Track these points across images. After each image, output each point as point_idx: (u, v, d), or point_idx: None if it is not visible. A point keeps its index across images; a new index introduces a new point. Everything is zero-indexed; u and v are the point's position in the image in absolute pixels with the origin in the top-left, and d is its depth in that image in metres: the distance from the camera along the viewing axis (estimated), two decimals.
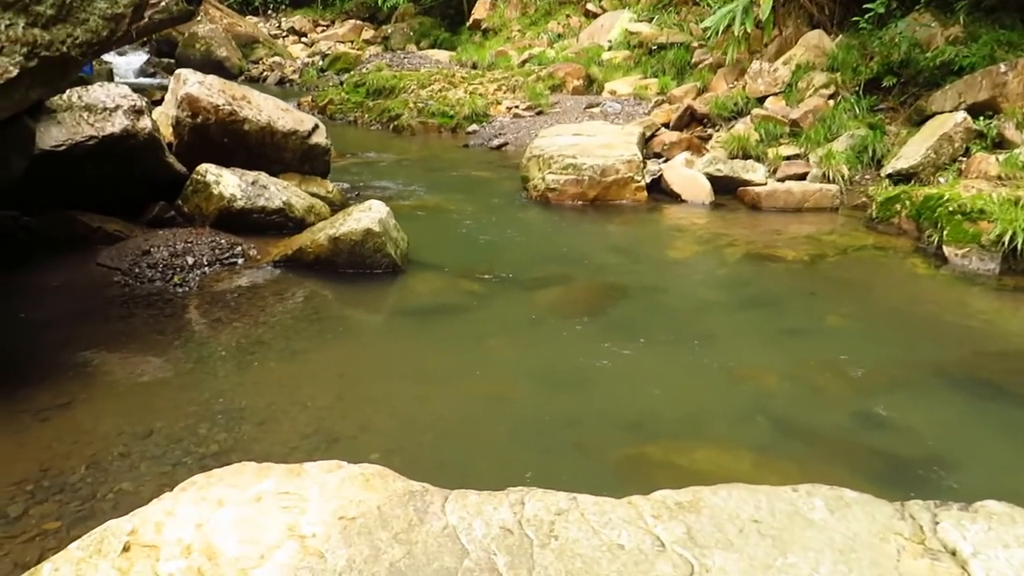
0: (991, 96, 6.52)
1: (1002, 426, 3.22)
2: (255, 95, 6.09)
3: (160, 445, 2.91)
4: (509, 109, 10.95)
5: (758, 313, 4.56)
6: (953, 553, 1.77)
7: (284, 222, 5.41)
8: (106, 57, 13.39)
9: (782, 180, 7.04)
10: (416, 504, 1.88)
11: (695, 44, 11.27)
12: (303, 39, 20.48)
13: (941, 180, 6.25)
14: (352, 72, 14.19)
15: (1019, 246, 4.91)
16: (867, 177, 7.00)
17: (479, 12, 17.08)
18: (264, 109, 5.97)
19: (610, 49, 12.81)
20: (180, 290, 4.51)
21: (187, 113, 5.66)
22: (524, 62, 13.39)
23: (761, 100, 8.60)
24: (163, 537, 1.74)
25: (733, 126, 8.33)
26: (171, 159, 5.49)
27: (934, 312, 4.53)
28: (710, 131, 8.67)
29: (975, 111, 6.55)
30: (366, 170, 8.16)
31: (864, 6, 8.09)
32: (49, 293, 4.36)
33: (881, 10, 7.93)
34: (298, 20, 21.52)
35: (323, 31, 20.64)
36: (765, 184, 6.90)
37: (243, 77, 15.78)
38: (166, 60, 16.49)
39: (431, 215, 6.44)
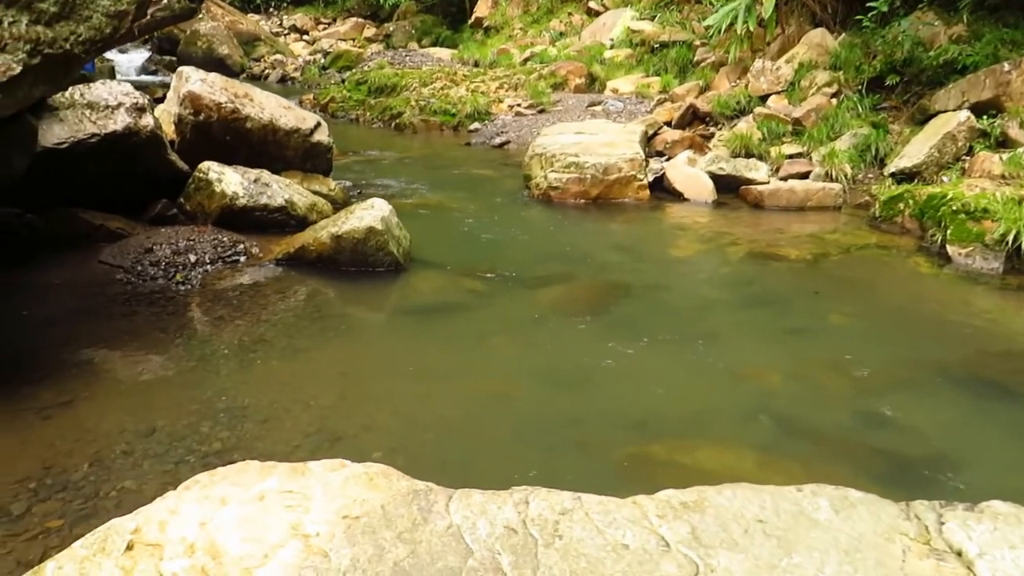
0: (994, 95, 6.50)
1: (1007, 426, 3.22)
2: (257, 93, 6.08)
3: (163, 443, 2.91)
4: (511, 107, 10.94)
5: (761, 312, 4.55)
6: (959, 554, 1.77)
7: (286, 220, 5.41)
8: (108, 55, 13.40)
9: (785, 179, 7.03)
10: (420, 503, 1.87)
11: (697, 42, 11.26)
12: (305, 37, 20.47)
13: (944, 179, 6.24)
14: (354, 70, 14.18)
15: (1023, 245, 4.90)
16: (870, 176, 6.99)
17: (481, 10, 17.06)
18: (266, 107, 5.96)
19: (612, 47, 12.80)
20: (182, 288, 4.50)
21: (189, 111, 5.65)
22: (526, 60, 13.38)
23: (764, 98, 8.59)
24: (167, 536, 1.74)
25: (735, 124, 8.31)
26: (173, 157, 5.48)
27: (938, 311, 4.53)
28: (712, 129, 8.66)
29: (978, 110, 6.54)
30: (368, 168, 8.15)
31: (867, 4, 8.07)
32: (51, 291, 4.36)
33: (884, 8, 7.91)
34: (300, 18, 21.52)
35: (325, 29, 20.62)
36: (768, 183, 6.89)
37: (245, 75, 15.78)
38: (168, 58, 16.49)
39: (433, 213, 6.43)
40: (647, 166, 7.15)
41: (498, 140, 9.75)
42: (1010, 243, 4.95)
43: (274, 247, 5.06)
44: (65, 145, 4.80)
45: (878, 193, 6.42)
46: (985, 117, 6.47)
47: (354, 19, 20.21)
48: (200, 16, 16.34)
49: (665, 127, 8.74)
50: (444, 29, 18.13)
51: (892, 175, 6.65)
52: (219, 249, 4.93)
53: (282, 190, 5.49)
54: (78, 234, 4.93)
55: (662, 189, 7.12)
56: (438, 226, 6.07)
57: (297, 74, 16.27)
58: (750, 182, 6.91)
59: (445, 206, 6.66)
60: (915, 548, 1.79)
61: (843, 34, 8.84)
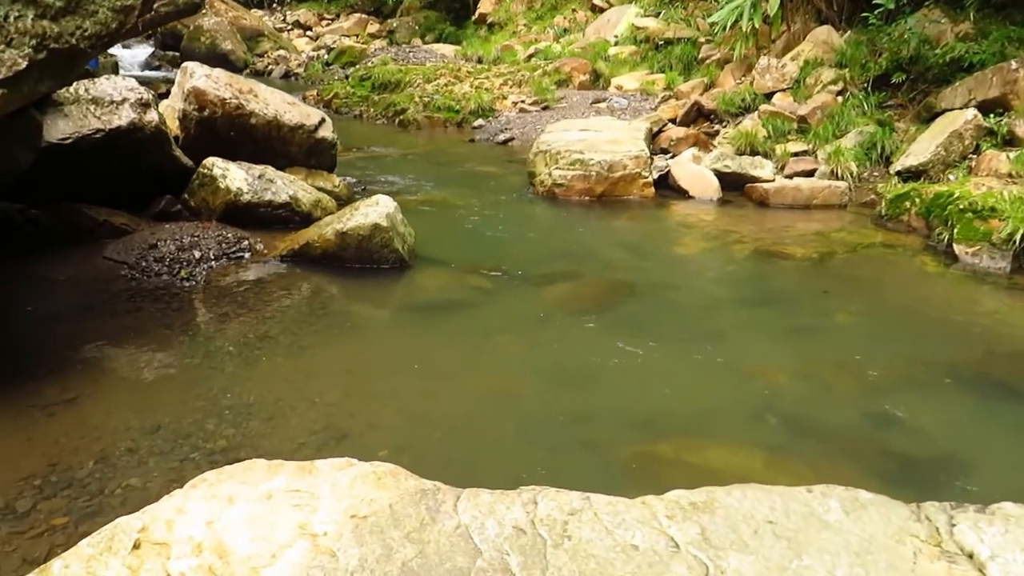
0: (1002, 93, 6.47)
1: (1016, 426, 3.20)
2: (262, 88, 6.07)
3: (168, 440, 2.90)
4: (515, 104, 10.92)
5: (767, 310, 4.53)
6: (970, 556, 1.75)
7: (291, 216, 5.40)
8: (111, 50, 13.37)
9: (790, 177, 7.01)
10: (428, 503, 1.86)
11: (702, 39, 11.22)
12: (308, 33, 20.46)
13: (951, 177, 6.22)
14: (357, 66, 14.17)
15: None
16: (876, 174, 6.96)
17: (485, 6, 17.03)
18: (271, 103, 5.95)
19: (616, 44, 12.76)
20: (187, 284, 4.49)
21: (194, 106, 5.64)
22: (530, 57, 13.36)
23: (769, 96, 8.55)
24: (174, 535, 1.73)
25: (740, 122, 8.28)
26: (177, 152, 5.47)
27: (944, 311, 4.51)
28: (717, 127, 8.62)
29: (985, 108, 6.50)
30: (372, 164, 8.14)
31: (873, 1, 8.03)
32: (56, 286, 4.35)
33: (891, 6, 7.87)
34: (303, 13, 21.48)
35: (328, 25, 20.60)
36: (773, 181, 6.87)
37: (248, 71, 15.77)
38: (171, 53, 16.49)
39: (437, 210, 6.42)
40: (652, 163, 7.13)
41: (502, 137, 9.73)
42: (1017, 242, 4.93)
43: (278, 243, 5.05)
44: (69, 140, 4.79)
45: (884, 191, 6.40)
46: (992, 115, 6.44)
47: (357, 15, 20.19)
48: (204, 12, 16.32)
49: (670, 124, 8.71)
50: (447, 25, 18.10)
51: (898, 173, 6.63)
52: (223, 245, 4.92)
53: (286, 186, 5.47)
54: (82, 230, 4.92)
55: (667, 187, 7.10)
56: (442, 223, 6.06)
57: (301, 70, 16.26)
58: (755, 180, 6.89)
59: (449, 203, 6.64)
60: (926, 550, 1.78)
61: (849, 31, 8.80)
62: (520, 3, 16.50)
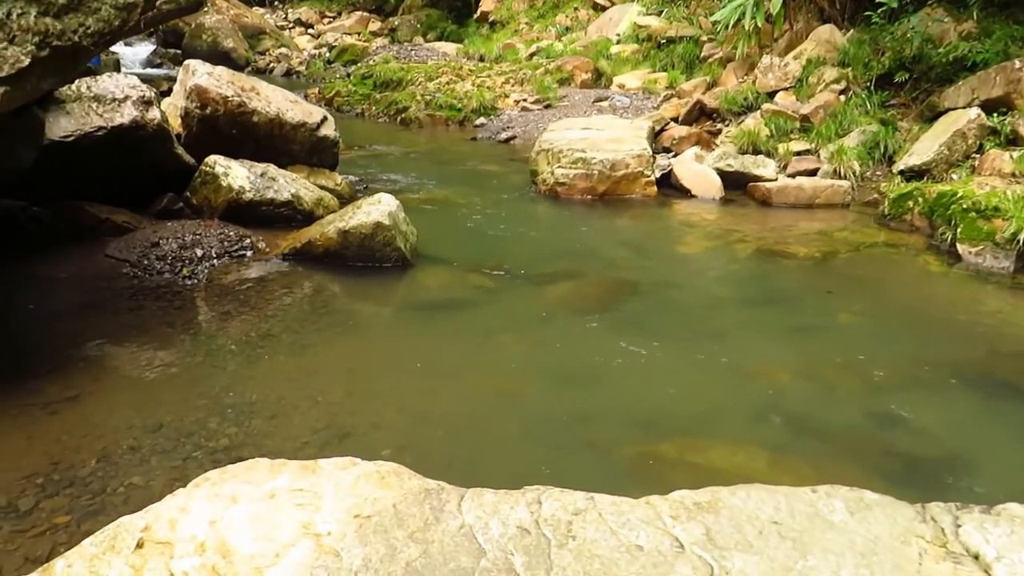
0: (1005, 92, 6.45)
1: (1020, 426, 3.19)
2: (264, 86, 6.06)
3: (170, 439, 2.89)
4: (517, 102, 10.91)
5: (770, 310, 4.52)
6: (976, 557, 1.75)
7: (293, 215, 5.39)
8: (113, 48, 13.36)
9: (793, 176, 6.99)
10: (432, 503, 1.86)
11: (704, 38, 11.21)
12: (309, 31, 20.45)
13: (954, 177, 6.20)
14: (359, 64, 14.16)
15: None
16: (878, 173, 6.95)
17: (486, 4, 17.01)
18: (273, 101, 5.94)
19: (619, 42, 12.75)
20: (189, 282, 4.49)
21: (196, 104, 5.63)
22: (532, 55, 13.34)
23: (771, 95, 8.54)
24: (177, 534, 1.72)
25: (743, 121, 8.27)
26: (180, 150, 5.46)
27: (948, 310, 4.50)
28: (719, 126, 8.61)
29: (989, 107, 6.49)
30: (374, 163, 8.13)
31: (876, 0, 8.01)
32: (58, 284, 4.35)
33: (894, 4, 7.85)
34: (304, 11, 21.48)
35: (329, 23, 20.60)
36: (776, 180, 6.86)
37: (249, 68, 15.77)
38: (172, 51, 16.49)
39: (440, 208, 6.41)
40: (654, 162, 7.12)
41: (504, 135, 9.72)
42: (1021, 242, 4.91)
43: (280, 242, 5.04)
44: (72, 138, 4.78)
45: (887, 191, 6.39)
46: (995, 115, 6.42)
47: (359, 13, 20.19)
48: (205, 9, 16.33)
49: (672, 123, 8.70)
50: (449, 23, 18.09)
51: (901, 172, 6.61)
52: (225, 243, 4.91)
53: (288, 184, 5.47)
54: (84, 227, 4.92)
55: (669, 185, 7.09)
56: (445, 222, 6.05)
57: (302, 68, 16.26)
58: (758, 179, 6.88)
59: (451, 201, 6.63)
60: (932, 551, 1.77)
61: (851, 30, 8.79)
62: (522, 1, 16.48)
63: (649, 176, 6.85)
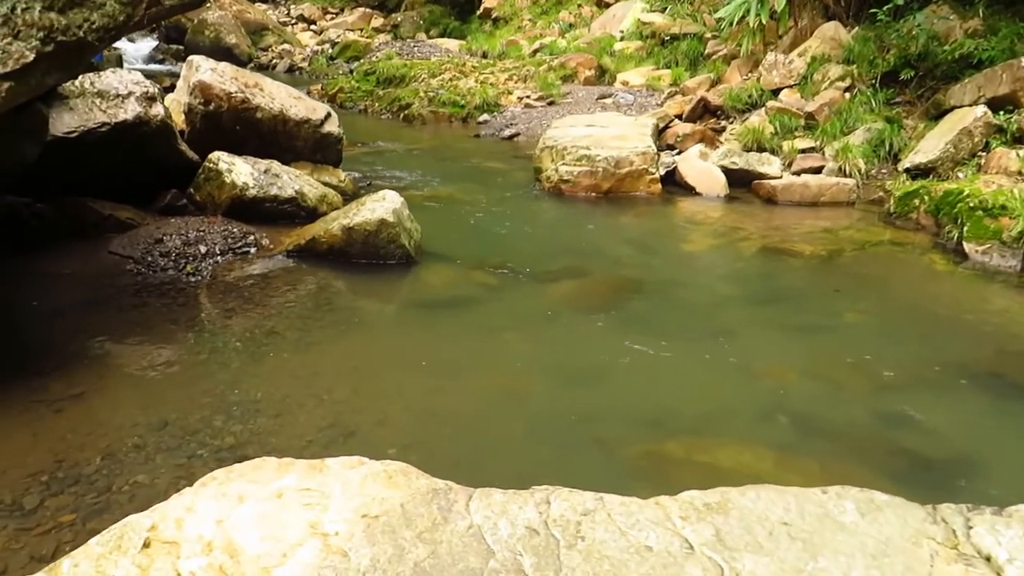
0: (1012, 90, 6.41)
1: None
2: (268, 82, 6.05)
3: (175, 437, 2.88)
4: (520, 99, 10.89)
5: (776, 308, 4.50)
6: (988, 559, 1.74)
7: (296, 211, 5.38)
8: (115, 43, 13.34)
9: (797, 174, 6.97)
10: (440, 503, 1.84)
11: (708, 35, 11.17)
12: (312, 27, 20.40)
13: (960, 175, 6.18)
14: (362, 60, 14.13)
15: None
16: (883, 171, 6.92)
17: (489, 1, 16.97)
18: (276, 97, 5.93)
19: (622, 39, 12.71)
20: (193, 279, 4.48)
21: (199, 100, 5.62)
22: (535, 52, 13.31)
23: (776, 92, 8.50)
24: (184, 533, 1.71)
25: (747, 118, 8.24)
26: (183, 146, 5.45)
27: (954, 309, 4.48)
28: (724, 123, 8.59)
29: (995, 105, 6.45)
30: (377, 159, 8.11)
31: None
32: (61, 281, 4.34)
33: (899, 2, 7.83)
34: (307, 7, 21.42)
35: (332, 19, 20.54)
36: (780, 177, 6.84)
37: (252, 64, 15.72)
38: (175, 47, 16.46)
39: (443, 206, 6.39)
40: (658, 160, 7.09)
41: (507, 132, 9.70)
42: None
43: (284, 238, 5.03)
44: (75, 134, 4.77)
45: (892, 189, 6.36)
46: (1002, 112, 6.39)
47: (361, 9, 20.13)
48: (208, 5, 16.30)
49: (676, 120, 8.67)
50: (452, 20, 18.05)
51: (906, 171, 6.59)
52: (229, 240, 4.90)
53: (292, 181, 5.45)
54: (87, 224, 4.91)
55: (674, 183, 7.07)
56: (449, 219, 6.03)
57: (305, 64, 16.22)
58: (763, 176, 6.86)
59: (455, 198, 6.62)
60: (943, 553, 1.76)
61: (856, 27, 8.75)
62: None
63: (654, 174, 6.83)
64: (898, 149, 6.95)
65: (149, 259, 4.61)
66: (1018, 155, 5.93)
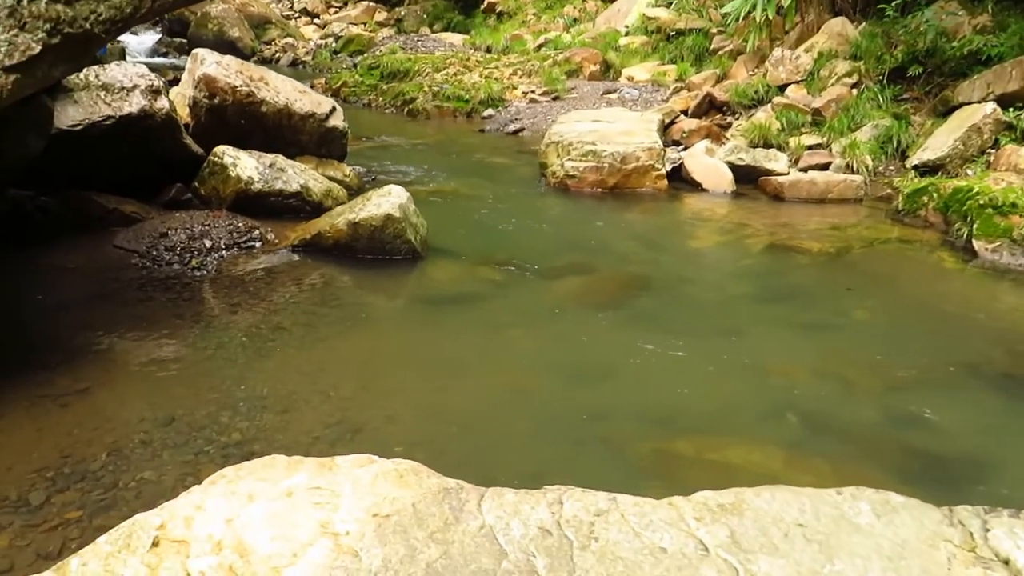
0: (1021, 87, 6.38)
1: None
2: (273, 76, 6.02)
3: (182, 433, 2.86)
4: (525, 94, 10.84)
5: (784, 306, 4.48)
6: (1006, 562, 1.71)
7: (301, 206, 5.35)
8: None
9: (805, 170, 6.94)
10: (451, 502, 1.82)
11: (714, 30, 11.12)
12: (315, 20, 20.33)
13: (969, 172, 6.15)
14: (366, 54, 14.09)
15: None
16: (891, 168, 6.89)
17: None
18: (281, 91, 5.90)
19: (627, 34, 12.66)
20: (198, 274, 4.46)
21: (204, 94, 5.59)
22: (540, 46, 13.26)
23: (782, 88, 8.46)
24: (193, 532, 1.69)
25: (754, 114, 8.21)
26: (188, 140, 5.43)
27: (964, 307, 4.45)
28: (730, 119, 8.55)
29: (1004, 102, 6.42)
30: (382, 154, 8.08)
31: None
32: (66, 275, 4.32)
33: None
34: (310, 1, 21.34)
35: (336, 12, 20.47)
36: (787, 174, 6.80)
37: (255, 58, 15.67)
38: (178, 40, 16.41)
39: (449, 201, 6.36)
40: (665, 156, 7.06)
41: (512, 127, 9.66)
42: None
43: (289, 233, 5.01)
44: (80, 127, 4.74)
45: (901, 186, 6.32)
46: (1011, 109, 6.35)
47: (365, 3, 20.05)
48: None
49: (682, 116, 8.63)
50: (456, 14, 17.97)
51: (915, 167, 6.55)
52: (234, 234, 4.88)
53: (297, 175, 5.43)
54: (92, 217, 4.89)
55: (680, 179, 7.03)
56: (454, 214, 6.00)
57: (308, 58, 16.17)
58: (769, 173, 6.82)
59: (461, 194, 6.59)
60: (960, 556, 1.74)
61: (864, 23, 8.70)
62: None
63: (660, 169, 6.80)
64: (906, 146, 6.92)
65: (154, 253, 4.59)
66: None
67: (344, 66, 14.13)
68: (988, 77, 6.66)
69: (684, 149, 7.63)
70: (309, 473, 1.89)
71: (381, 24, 18.81)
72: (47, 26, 2.88)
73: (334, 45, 16.60)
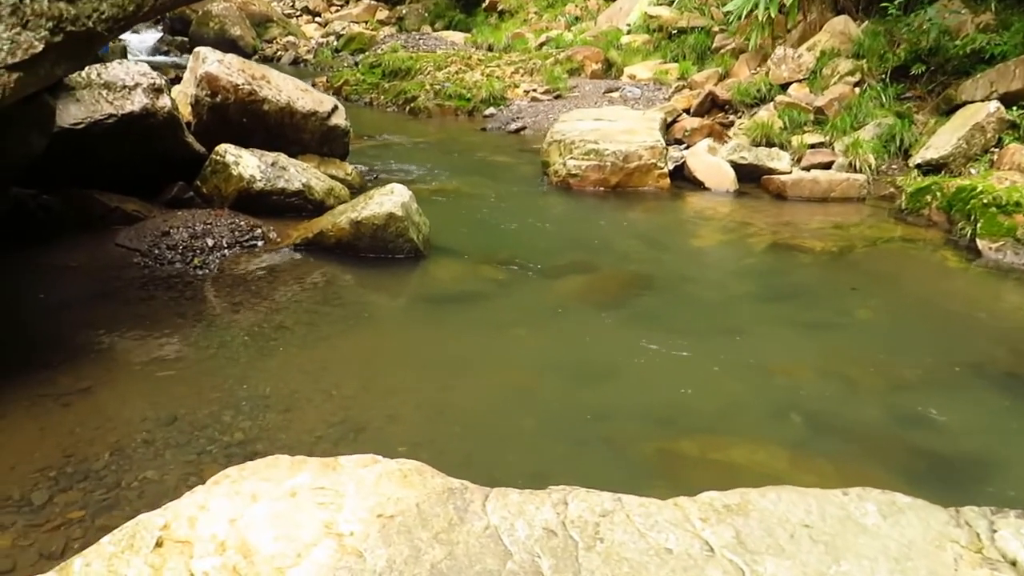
0: None
1: None
2: (275, 75, 6.01)
3: (184, 432, 2.85)
4: (527, 92, 10.83)
5: (787, 305, 4.47)
6: (1013, 563, 1.71)
7: (303, 204, 5.35)
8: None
9: (807, 169, 6.92)
10: (456, 502, 1.82)
11: (716, 29, 11.09)
12: (317, 19, 20.31)
13: (972, 171, 6.13)
14: (367, 53, 14.08)
15: None
16: (894, 167, 6.87)
17: None
18: (284, 89, 5.89)
19: (629, 33, 12.63)
20: (200, 272, 4.45)
21: (206, 92, 5.59)
22: (541, 45, 13.24)
23: (784, 87, 8.44)
24: (196, 532, 1.69)
25: (756, 113, 8.19)
26: (190, 139, 5.42)
27: (968, 307, 4.44)
28: (732, 118, 8.53)
29: (1008, 101, 6.40)
30: (384, 153, 8.07)
31: None
32: (68, 273, 4.32)
33: None
34: None
35: (337, 11, 20.45)
36: (790, 173, 6.79)
37: (257, 56, 15.66)
38: (179, 38, 16.41)
39: (451, 200, 6.35)
40: (667, 154, 7.04)
41: (514, 126, 9.65)
42: None
43: (292, 232, 5.00)
44: (82, 126, 4.74)
45: (904, 185, 6.30)
46: (1015, 108, 6.34)
47: (366, 1, 20.02)
48: None
49: (684, 115, 8.60)
50: (457, 12, 17.95)
51: (918, 166, 6.54)
52: (236, 233, 4.87)
53: (299, 174, 5.42)
54: (94, 216, 4.88)
55: (682, 178, 7.02)
56: (456, 213, 5.99)
57: (310, 56, 16.16)
58: (772, 172, 6.81)
59: (463, 192, 6.58)
60: (967, 557, 1.73)
61: (866, 22, 8.68)
62: None
63: (662, 168, 6.78)
64: (909, 145, 6.90)
65: (156, 252, 4.59)
66: None
67: (345, 64, 14.12)
68: (991, 76, 6.64)
69: (686, 148, 7.61)
70: (313, 473, 1.88)
71: (382, 22, 18.79)
72: (50, 24, 2.87)
73: (335, 43, 16.58)
